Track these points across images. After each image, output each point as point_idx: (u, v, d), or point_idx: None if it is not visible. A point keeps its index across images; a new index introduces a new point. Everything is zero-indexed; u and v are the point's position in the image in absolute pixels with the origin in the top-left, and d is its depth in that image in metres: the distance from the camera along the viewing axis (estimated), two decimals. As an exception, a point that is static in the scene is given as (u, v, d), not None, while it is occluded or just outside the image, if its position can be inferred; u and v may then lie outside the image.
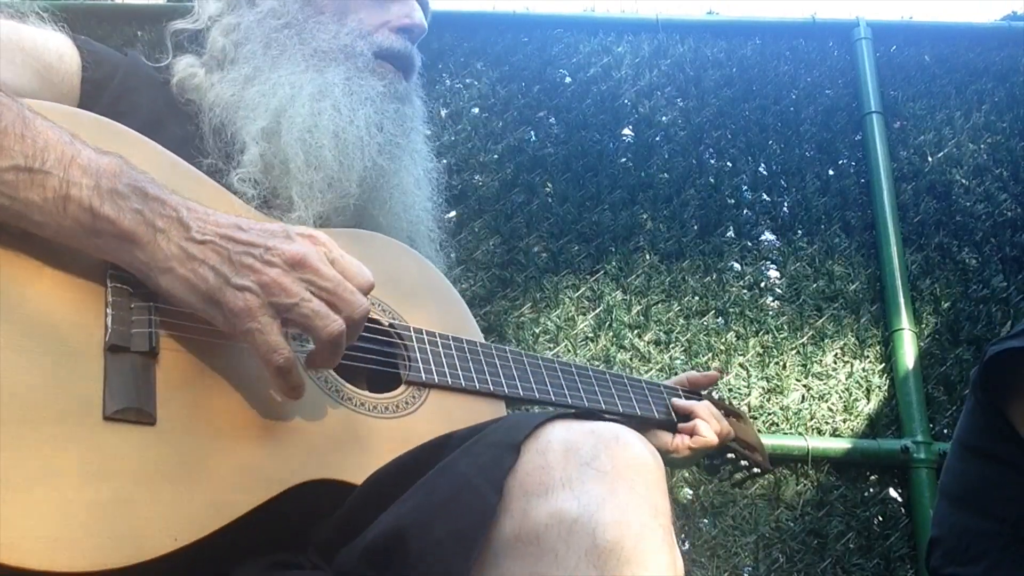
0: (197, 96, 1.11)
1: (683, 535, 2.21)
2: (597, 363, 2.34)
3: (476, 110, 2.70)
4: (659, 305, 2.44)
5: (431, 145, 1.27)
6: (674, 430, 1.30)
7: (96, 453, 0.71)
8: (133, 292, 0.82)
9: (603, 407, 1.19)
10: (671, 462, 1.30)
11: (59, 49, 1.05)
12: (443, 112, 2.66)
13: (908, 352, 2.36)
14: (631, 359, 2.37)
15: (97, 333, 0.78)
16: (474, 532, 0.67)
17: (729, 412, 1.42)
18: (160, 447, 0.75)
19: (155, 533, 0.70)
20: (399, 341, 1.02)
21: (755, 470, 1.43)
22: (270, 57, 1.11)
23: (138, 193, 0.79)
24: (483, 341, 1.11)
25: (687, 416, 1.31)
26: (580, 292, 2.45)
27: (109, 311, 0.79)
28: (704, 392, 1.43)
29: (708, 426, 1.28)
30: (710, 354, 2.39)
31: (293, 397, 0.84)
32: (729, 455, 1.39)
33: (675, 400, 1.31)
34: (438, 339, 1.05)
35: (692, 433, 1.28)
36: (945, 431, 2.33)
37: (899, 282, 2.43)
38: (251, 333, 0.79)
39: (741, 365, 2.38)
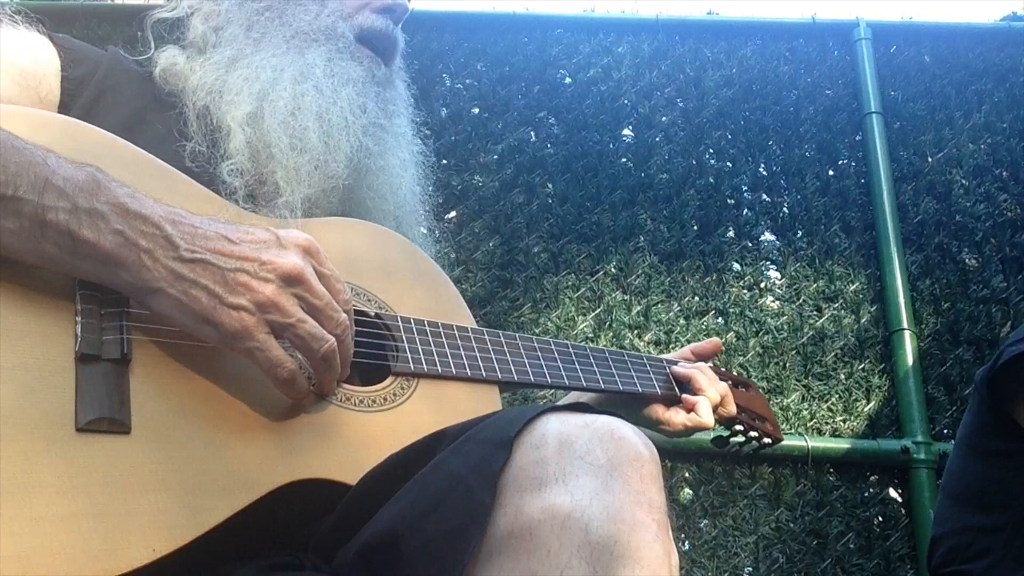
0: (179, 83, 1.09)
1: (683, 535, 2.21)
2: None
3: (476, 110, 2.70)
4: (659, 305, 2.44)
5: (416, 129, 1.25)
6: (676, 403, 1.25)
7: (69, 466, 0.70)
8: (103, 299, 0.79)
9: (602, 386, 1.15)
10: (664, 433, 1.25)
11: (35, 51, 1.03)
12: (443, 112, 2.66)
13: (908, 352, 2.36)
14: (631, 359, 2.37)
15: (67, 343, 0.75)
16: (466, 531, 0.66)
17: (737, 383, 1.38)
18: (135, 456, 0.73)
19: (131, 545, 0.69)
20: (387, 332, 0.99)
21: (765, 440, 1.38)
22: (251, 40, 1.10)
23: (118, 210, 0.76)
24: (475, 326, 1.08)
25: (687, 386, 1.26)
26: (580, 292, 2.45)
27: (79, 319, 0.77)
28: (709, 363, 1.39)
29: (709, 408, 1.24)
30: (710, 354, 2.39)
31: (301, 399, 0.84)
32: (737, 426, 1.35)
33: (674, 368, 1.27)
34: (427, 327, 1.02)
35: (690, 410, 1.23)
36: (945, 431, 2.33)
37: (899, 282, 2.43)
38: (251, 352, 0.79)
39: (741, 365, 2.37)
